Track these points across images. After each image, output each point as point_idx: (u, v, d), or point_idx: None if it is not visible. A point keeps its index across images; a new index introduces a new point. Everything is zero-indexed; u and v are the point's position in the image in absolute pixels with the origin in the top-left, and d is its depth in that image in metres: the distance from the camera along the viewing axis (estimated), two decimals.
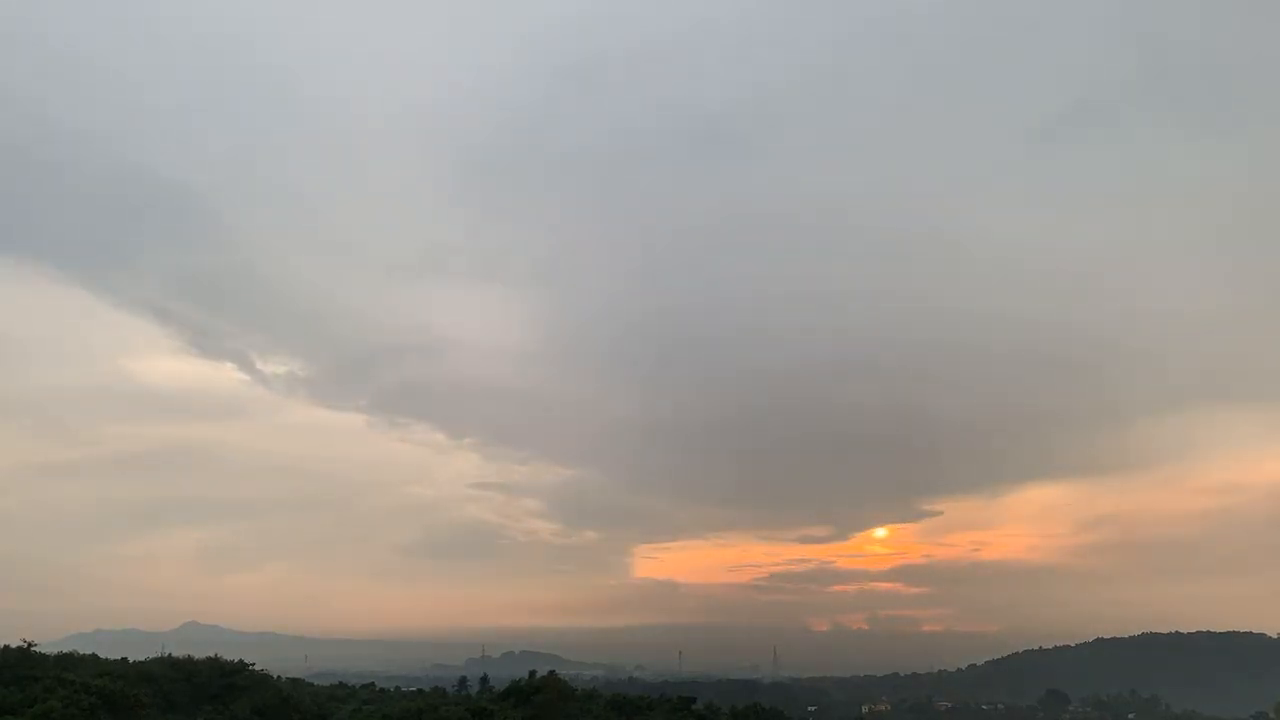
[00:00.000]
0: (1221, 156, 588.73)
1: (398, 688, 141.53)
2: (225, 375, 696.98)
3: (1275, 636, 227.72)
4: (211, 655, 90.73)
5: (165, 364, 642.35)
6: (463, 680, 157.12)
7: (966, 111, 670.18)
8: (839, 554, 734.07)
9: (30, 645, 76.72)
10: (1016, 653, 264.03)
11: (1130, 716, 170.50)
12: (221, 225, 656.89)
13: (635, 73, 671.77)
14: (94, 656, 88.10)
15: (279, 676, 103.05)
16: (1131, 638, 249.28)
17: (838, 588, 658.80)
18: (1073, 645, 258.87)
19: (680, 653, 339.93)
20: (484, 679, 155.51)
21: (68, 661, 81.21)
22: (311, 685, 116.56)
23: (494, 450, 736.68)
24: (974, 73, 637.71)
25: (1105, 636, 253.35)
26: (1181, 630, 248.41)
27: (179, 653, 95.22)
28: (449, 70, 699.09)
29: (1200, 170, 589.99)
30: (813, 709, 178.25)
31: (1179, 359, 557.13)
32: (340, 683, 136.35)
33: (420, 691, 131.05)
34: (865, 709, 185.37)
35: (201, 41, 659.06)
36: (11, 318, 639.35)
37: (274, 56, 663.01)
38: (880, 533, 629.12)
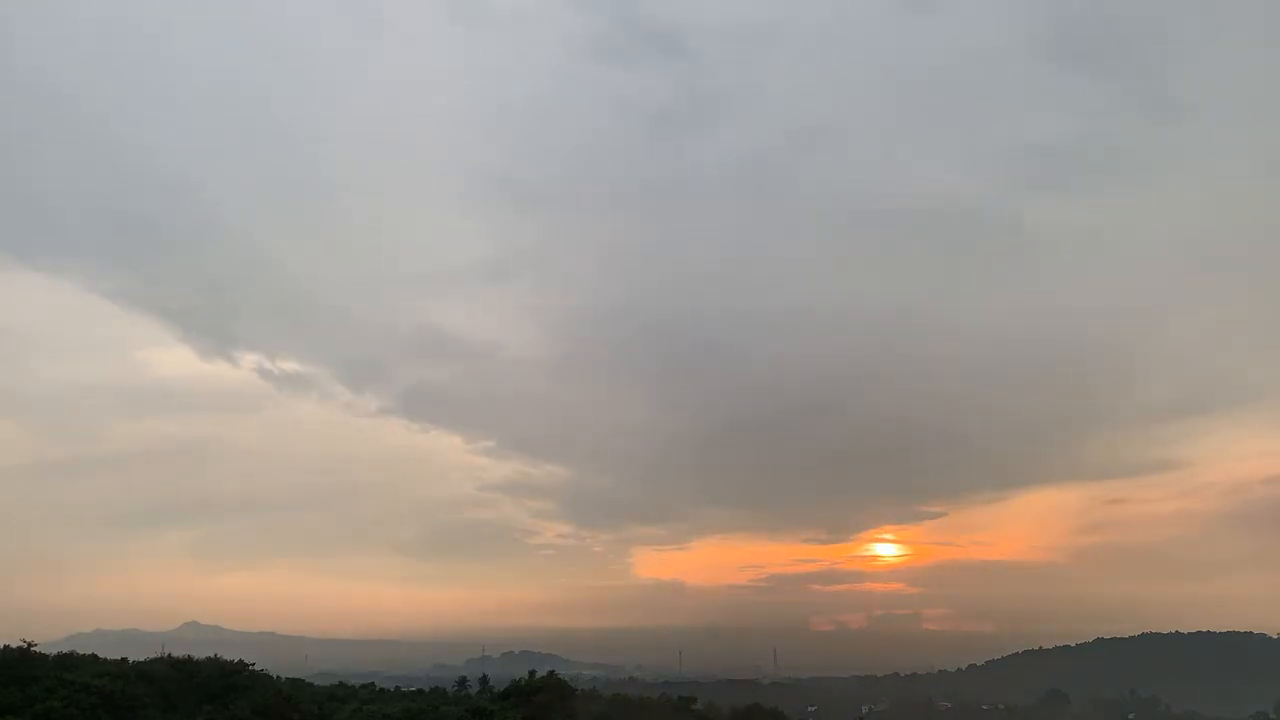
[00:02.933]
0: (1225, 163, 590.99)
1: (398, 688, 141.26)
2: (232, 373, 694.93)
3: (1275, 636, 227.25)
4: (211, 655, 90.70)
5: (172, 361, 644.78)
6: (463, 680, 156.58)
7: (975, 115, 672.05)
8: (840, 555, 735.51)
9: (30, 645, 76.69)
10: (1016, 653, 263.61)
11: (1130, 716, 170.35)
12: (240, 228, 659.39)
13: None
14: (94, 656, 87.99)
15: (279, 676, 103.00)
16: (1131, 638, 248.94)
17: (839, 588, 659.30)
18: (1073, 645, 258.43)
19: (680, 653, 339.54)
20: (484, 679, 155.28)
21: (68, 661, 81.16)
22: (311, 685, 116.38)
23: (501, 451, 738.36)
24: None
25: (1105, 636, 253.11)
26: (1181, 630, 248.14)
27: (179, 653, 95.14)
28: (467, 88, 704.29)
29: (1199, 181, 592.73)
30: (813, 709, 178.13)
31: (1180, 364, 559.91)
32: (340, 683, 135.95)
33: (420, 691, 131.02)
34: (865, 709, 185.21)
35: (235, 52, 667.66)
36: (14, 312, 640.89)
37: (297, 65, 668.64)
38: (882, 534, 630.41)
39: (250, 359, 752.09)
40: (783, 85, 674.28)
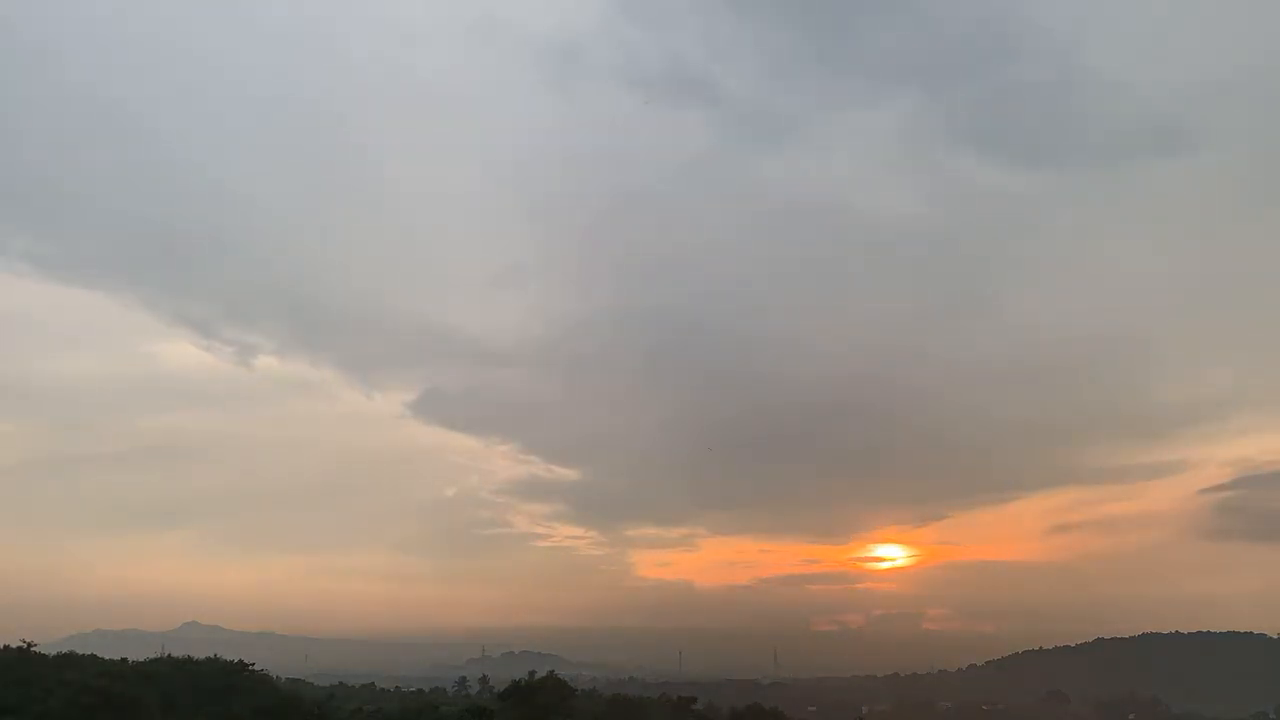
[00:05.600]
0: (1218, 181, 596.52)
1: (398, 688, 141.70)
2: (240, 371, 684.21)
3: (1275, 636, 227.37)
4: (211, 655, 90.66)
5: (178, 356, 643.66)
6: (463, 680, 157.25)
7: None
8: (841, 556, 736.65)
9: (30, 645, 76.71)
10: (1016, 653, 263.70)
11: (1130, 717, 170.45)
12: (256, 228, 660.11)
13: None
14: (94, 656, 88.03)
15: (279, 676, 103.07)
16: (1131, 638, 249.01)
17: (839, 588, 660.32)
18: (1073, 645, 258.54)
19: (681, 653, 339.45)
20: (484, 679, 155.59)
21: (68, 661, 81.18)
22: (311, 685, 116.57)
23: (510, 453, 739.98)
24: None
25: (1105, 636, 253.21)
26: (1181, 630, 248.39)
27: (179, 653, 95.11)
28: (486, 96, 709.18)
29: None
30: (813, 709, 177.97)
31: (1180, 372, 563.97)
32: (340, 683, 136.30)
33: (420, 691, 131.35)
34: (865, 709, 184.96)
35: (261, 51, 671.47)
36: (14, 306, 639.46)
37: (329, 73, 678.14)
38: (883, 535, 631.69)
39: (260, 357, 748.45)
40: (802, 115, 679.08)
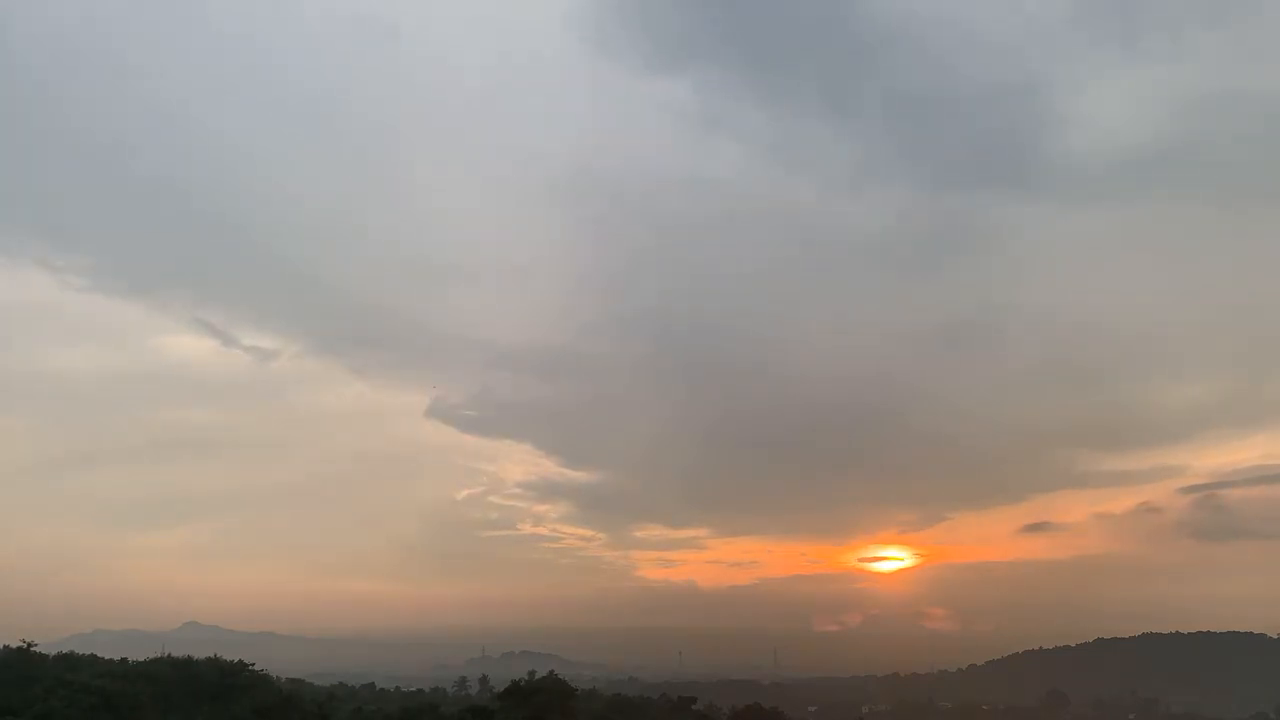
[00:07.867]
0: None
1: (398, 688, 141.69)
2: (242, 367, 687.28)
3: (1275, 637, 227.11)
4: (211, 655, 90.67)
5: (187, 356, 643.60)
6: (463, 680, 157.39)
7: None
8: (843, 556, 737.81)
9: (30, 645, 76.73)
10: (1016, 653, 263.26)
11: (1130, 717, 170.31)
12: (279, 228, 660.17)
13: None
14: (94, 656, 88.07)
15: (279, 676, 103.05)
16: (1131, 638, 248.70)
17: (840, 588, 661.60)
18: (1073, 645, 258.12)
19: (680, 653, 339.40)
20: (484, 679, 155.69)
21: (68, 661, 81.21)
22: (311, 685, 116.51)
23: (516, 453, 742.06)
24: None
25: (1105, 636, 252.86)
26: (1181, 630, 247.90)
27: (179, 653, 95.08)
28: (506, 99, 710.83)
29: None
30: (813, 709, 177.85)
31: (1183, 378, 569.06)
32: (340, 683, 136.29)
33: (420, 691, 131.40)
34: (865, 709, 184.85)
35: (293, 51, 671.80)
36: (17, 304, 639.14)
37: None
38: (883, 536, 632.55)
39: (276, 358, 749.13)
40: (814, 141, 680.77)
